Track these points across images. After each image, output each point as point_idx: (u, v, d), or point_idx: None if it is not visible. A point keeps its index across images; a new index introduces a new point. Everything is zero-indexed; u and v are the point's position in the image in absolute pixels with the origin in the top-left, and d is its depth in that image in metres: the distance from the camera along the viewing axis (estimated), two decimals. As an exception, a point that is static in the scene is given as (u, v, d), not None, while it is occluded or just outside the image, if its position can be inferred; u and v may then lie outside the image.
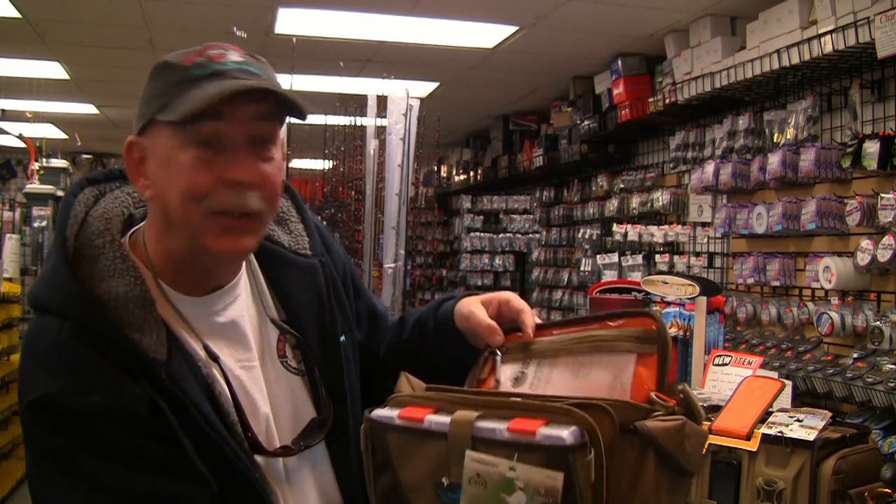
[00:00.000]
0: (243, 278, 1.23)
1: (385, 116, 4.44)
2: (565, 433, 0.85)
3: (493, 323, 1.20)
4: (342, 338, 1.28)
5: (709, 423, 2.09)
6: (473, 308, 1.23)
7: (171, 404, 1.05)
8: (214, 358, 1.13)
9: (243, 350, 1.19)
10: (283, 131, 1.21)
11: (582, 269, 6.09)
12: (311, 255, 1.30)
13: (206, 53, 1.09)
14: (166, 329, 1.10)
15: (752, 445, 1.96)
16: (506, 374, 1.14)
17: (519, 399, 0.94)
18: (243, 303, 1.22)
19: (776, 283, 3.83)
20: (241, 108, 1.07)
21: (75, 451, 1.03)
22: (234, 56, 1.10)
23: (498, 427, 0.89)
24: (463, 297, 1.27)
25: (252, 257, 1.25)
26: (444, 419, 0.92)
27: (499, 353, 1.16)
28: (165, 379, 1.05)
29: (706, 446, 1.21)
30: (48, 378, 1.04)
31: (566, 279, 6.57)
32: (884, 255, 3.08)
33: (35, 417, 1.05)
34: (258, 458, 1.14)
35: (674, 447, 0.89)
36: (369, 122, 4.59)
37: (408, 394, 1.01)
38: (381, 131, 4.54)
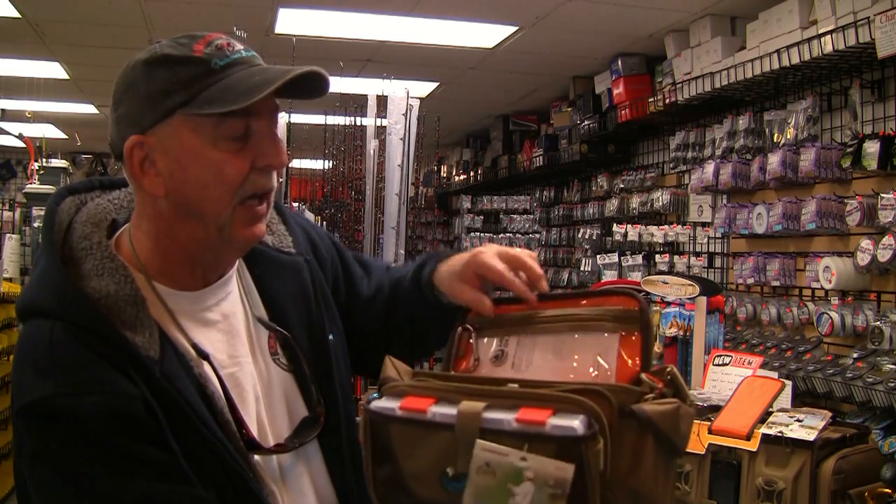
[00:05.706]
0: (234, 276, 1.22)
1: (385, 116, 4.43)
2: (576, 423, 0.85)
3: (479, 294, 1.16)
4: (331, 336, 1.27)
5: (709, 423, 2.09)
6: (454, 286, 1.21)
7: (166, 405, 1.03)
8: (204, 356, 1.11)
9: (236, 346, 1.18)
10: (282, 129, 1.21)
11: (582, 269, 6.09)
12: (296, 254, 1.29)
13: (213, 43, 1.08)
14: (158, 328, 1.08)
15: (752, 445, 1.96)
16: (484, 352, 1.11)
17: (517, 387, 0.93)
18: (235, 299, 1.21)
19: (776, 283, 3.83)
20: (269, 96, 1.06)
21: (70, 456, 0.99)
22: (237, 44, 1.11)
23: (506, 418, 0.88)
24: (436, 269, 1.26)
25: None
26: (449, 410, 0.91)
27: (472, 329, 1.13)
28: (160, 378, 1.03)
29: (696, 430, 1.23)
30: (41, 380, 1.00)
31: (566, 279, 6.57)
32: (884, 255, 3.08)
33: (29, 422, 1.01)
34: (254, 457, 1.13)
35: (670, 429, 0.91)
36: (369, 122, 4.57)
37: (406, 383, 0.99)
38: (381, 131, 4.52)
